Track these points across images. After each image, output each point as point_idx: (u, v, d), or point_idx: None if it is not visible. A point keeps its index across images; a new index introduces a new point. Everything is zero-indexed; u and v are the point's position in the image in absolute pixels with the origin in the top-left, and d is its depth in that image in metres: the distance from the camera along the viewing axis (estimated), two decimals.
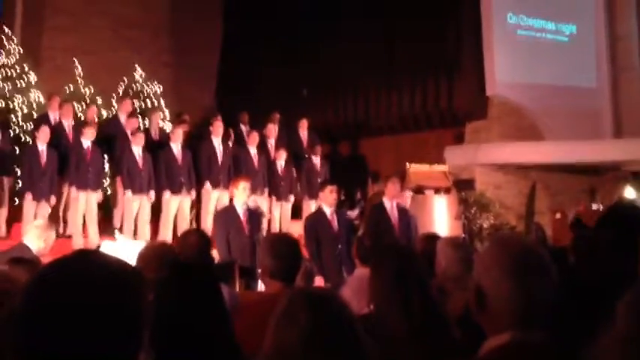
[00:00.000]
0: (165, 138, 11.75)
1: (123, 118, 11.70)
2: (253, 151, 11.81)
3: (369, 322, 2.65)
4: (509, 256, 1.89)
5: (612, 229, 3.57)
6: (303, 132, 13.41)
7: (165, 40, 16.59)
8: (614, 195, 11.93)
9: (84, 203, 10.35)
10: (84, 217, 10.39)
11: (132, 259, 6.77)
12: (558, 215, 11.77)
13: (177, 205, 10.99)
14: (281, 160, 12.05)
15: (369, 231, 8.00)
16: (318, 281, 7.15)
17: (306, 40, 16.02)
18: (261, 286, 6.83)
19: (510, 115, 13.57)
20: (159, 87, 14.28)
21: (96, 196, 10.51)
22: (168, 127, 13.14)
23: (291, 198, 12.16)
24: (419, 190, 11.42)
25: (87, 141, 10.47)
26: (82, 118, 11.84)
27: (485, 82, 13.27)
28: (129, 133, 11.17)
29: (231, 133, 12.27)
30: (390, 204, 8.31)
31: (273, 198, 11.94)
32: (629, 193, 11.91)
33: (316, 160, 12.57)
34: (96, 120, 11.90)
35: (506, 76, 13.20)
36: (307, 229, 7.59)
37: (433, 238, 4.89)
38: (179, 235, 4.98)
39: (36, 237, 5.60)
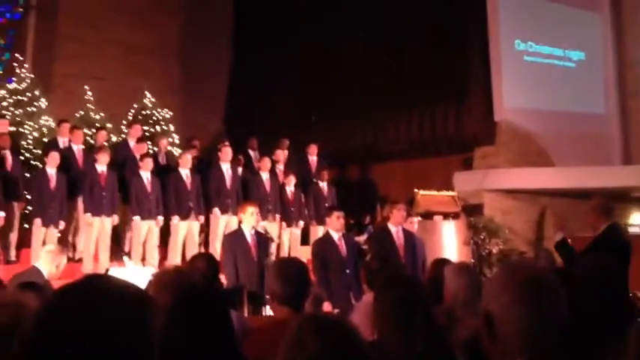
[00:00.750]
0: (173, 163, 11.79)
1: (132, 143, 11.77)
2: (265, 176, 11.85)
3: (374, 348, 2.64)
4: (519, 281, 1.88)
5: (603, 253, 3.55)
6: (312, 157, 13.43)
7: (174, 66, 16.74)
8: (623, 221, 11.86)
9: (98, 228, 10.38)
10: (96, 241, 10.41)
11: (141, 285, 6.78)
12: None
13: (185, 230, 10.99)
14: (290, 186, 12.08)
15: (373, 255, 7.97)
16: (327, 306, 7.12)
17: (315, 67, 16.11)
18: (269, 312, 6.82)
19: (518, 140, 13.56)
20: (168, 113, 14.35)
21: (110, 221, 10.53)
22: (177, 152, 13.19)
23: (301, 223, 12.17)
24: (427, 216, 11.39)
25: (101, 166, 10.53)
26: (93, 143, 11.91)
27: (494, 107, 13.31)
28: (137, 157, 11.23)
29: (240, 159, 12.32)
30: (395, 228, 8.29)
31: (283, 224, 11.94)
32: (636, 219, 11.85)
33: (323, 185, 12.57)
34: (105, 144, 11.97)
35: (514, 102, 13.24)
36: (315, 254, 7.57)
37: (444, 263, 4.87)
38: (188, 260, 4.98)
39: (48, 261, 5.65)
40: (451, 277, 4.07)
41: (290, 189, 12.07)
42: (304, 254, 11.71)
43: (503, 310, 1.84)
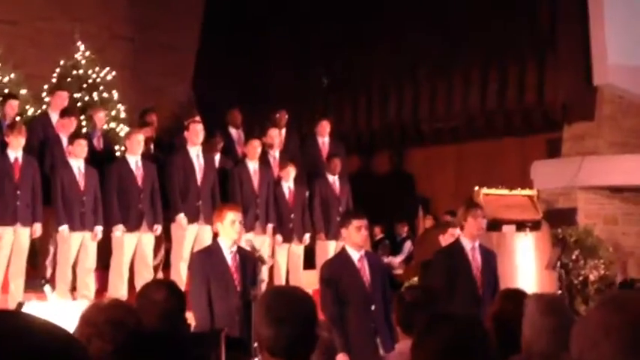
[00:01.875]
0: (119, 147, 11.81)
1: (55, 117, 11.78)
2: (253, 166, 11.87)
3: None
4: (628, 323, 1.88)
5: None
6: (324, 139, 13.46)
7: (121, 4, 16.75)
8: None
9: (9, 243, 10.42)
10: (7, 263, 10.42)
11: (69, 327, 6.80)
12: None
13: (134, 246, 11.02)
14: (289, 181, 12.09)
15: (438, 284, 7.94)
16: (342, 359, 7.12)
17: (327, 10, 16.10)
18: None
19: (630, 114, 13.54)
20: (110, 73, 14.38)
21: (28, 233, 10.56)
22: (123, 130, 13.21)
23: (305, 237, 12.19)
24: (493, 225, 11.38)
25: (14, 151, 10.54)
26: None
27: (592, 66, 13.26)
28: (64, 139, 11.27)
29: (217, 141, 12.31)
30: (471, 244, 8.28)
31: (278, 238, 11.96)
32: None
33: (334, 179, 12.56)
34: (18, 120, 11.99)
35: (623, 58, 13.20)
36: (325, 283, 7.56)
37: (516, 296, 4.86)
38: (138, 289, 4.98)
39: None
40: (531, 315, 4.08)
41: (288, 185, 12.08)
42: (309, 281, 11.74)
43: None
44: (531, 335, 3.97)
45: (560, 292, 11.15)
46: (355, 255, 7.59)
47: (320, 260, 11.65)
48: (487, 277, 8.18)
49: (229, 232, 7.50)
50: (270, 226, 11.82)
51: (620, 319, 1.89)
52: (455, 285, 7.88)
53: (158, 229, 11.19)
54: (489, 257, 8.36)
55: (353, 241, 7.59)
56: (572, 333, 2.01)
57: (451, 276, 8.03)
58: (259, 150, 12.01)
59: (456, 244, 8.33)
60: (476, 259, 8.20)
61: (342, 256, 7.75)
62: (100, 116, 12.46)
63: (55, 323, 1.48)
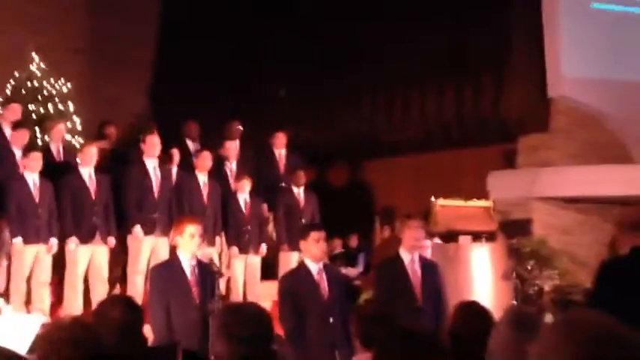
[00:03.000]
0: (71, 159, 11.73)
1: (8, 130, 11.70)
2: (202, 178, 11.85)
3: None
4: (582, 345, 1.89)
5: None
6: (280, 151, 13.46)
7: (78, 15, 16.65)
8: None
9: None
10: None
11: (23, 343, 6.74)
12: None
13: (87, 259, 10.95)
14: (244, 193, 12.07)
15: (375, 298, 7.98)
16: None
17: (284, 15, 16.11)
18: None
19: (584, 126, 13.65)
20: (66, 85, 14.29)
21: None
22: (80, 142, 13.13)
23: (262, 248, 12.17)
24: (450, 236, 11.44)
25: None
26: None
27: (547, 78, 13.35)
28: (17, 152, 11.18)
29: (174, 153, 12.27)
30: (409, 257, 8.32)
31: (234, 248, 11.93)
32: None
33: (299, 191, 12.59)
34: None
35: (577, 70, 13.32)
36: (283, 296, 7.55)
37: (471, 309, 4.88)
38: (94, 306, 4.96)
39: None
40: (501, 328, 4.09)
41: (245, 197, 12.07)
42: (268, 292, 11.72)
43: None
44: (496, 346, 3.98)
45: (514, 303, 11.23)
46: (314, 267, 7.59)
47: (283, 271, 11.65)
48: (428, 288, 8.21)
49: (188, 245, 7.47)
50: (218, 239, 11.81)
51: (573, 341, 1.89)
52: (394, 297, 7.92)
53: (111, 241, 11.13)
54: (430, 268, 8.40)
55: (311, 254, 7.58)
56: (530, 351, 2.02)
57: (390, 288, 8.08)
58: (209, 162, 11.98)
59: (396, 257, 8.37)
60: (415, 272, 8.26)
61: (300, 269, 7.74)
62: (60, 128, 12.39)
63: (8, 350, 1.48)
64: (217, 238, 11.85)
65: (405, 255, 8.29)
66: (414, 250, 8.32)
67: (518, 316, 4.20)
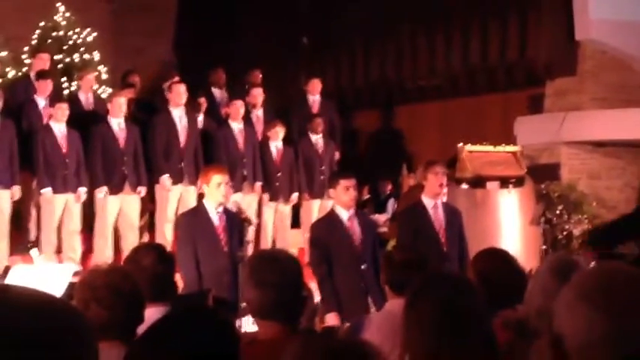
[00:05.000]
0: (101, 109, 11.74)
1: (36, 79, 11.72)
2: (237, 126, 11.82)
3: None
4: (605, 285, 1.85)
5: None
6: (314, 97, 13.37)
7: None
8: None
9: None
10: None
11: (57, 289, 6.78)
12: None
13: (117, 208, 11.00)
14: (276, 141, 12.05)
15: (402, 245, 7.97)
16: (332, 319, 7.13)
17: None
18: (247, 327, 6.83)
19: (611, 69, 13.53)
20: (91, 34, 14.27)
21: (8, 196, 10.50)
22: (106, 92, 13.13)
23: (293, 197, 12.17)
24: (477, 182, 11.39)
25: None
26: None
27: (574, 21, 13.21)
28: (45, 102, 11.19)
29: (201, 102, 12.25)
30: (432, 203, 8.29)
31: (265, 197, 11.95)
32: None
33: (317, 139, 12.52)
34: None
35: (605, 12, 13.15)
36: (314, 243, 7.55)
37: (497, 256, 4.85)
38: (126, 254, 4.98)
39: None
40: (540, 274, 4.08)
41: (276, 145, 12.04)
42: (295, 241, 11.76)
43: (579, 327, 1.82)
44: (534, 290, 3.97)
45: (544, 247, 11.22)
46: (344, 215, 7.56)
47: (305, 220, 11.68)
48: (451, 234, 8.19)
49: (215, 194, 7.47)
50: (258, 184, 11.79)
51: (595, 281, 1.87)
52: (418, 243, 7.89)
53: (142, 191, 11.16)
54: (454, 215, 8.37)
55: (341, 201, 7.56)
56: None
57: (414, 235, 8.06)
58: (243, 110, 11.96)
59: (418, 204, 8.34)
60: (438, 218, 8.21)
61: (331, 216, 7.71)
62: (89, 78, 12.38)
63: (48, 293, 1.47)
64: (257, 184, 11.80)
65: (427, 201, 8.25)
66: (437, 196, 8.29)
67: (559, 264, 4.18)
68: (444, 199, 9.21)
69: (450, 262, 7.87)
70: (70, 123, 10.89)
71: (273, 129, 12.05)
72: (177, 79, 12.07)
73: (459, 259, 8.01)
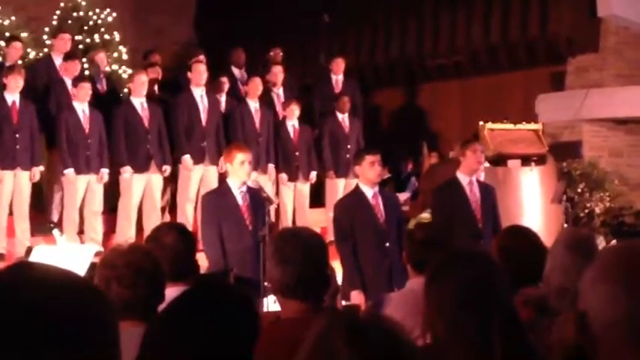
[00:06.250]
0: (122, 89, 11.77)
1: (59, 60, 11.73)
2: (254, 105, 11.82)
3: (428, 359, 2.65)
4: (627, 263, 1.85)
5: None
6: (337, 77, 13.33)
7: None
8: None
9: (10, 187, 10.37)
10: (10, 207, 10.40)
11: (79, 269, 6.81)
12: None
13: (142, 188, 11.03)
14: (293, 119, 12.04)
15: (437, 222, 7.95)
16: (356, 297, 7.14)
17: None
18: (267, 306, 6.87)
19: (635, 45, 13.44)
20: (111, 14, 14.29)
21: (28, 177, 10.51)
22: (126, 72, 13.15)
23: (312, 175, 12.16)
24: (498, 160, 11.37)
25: (12, 94, 10.45)
26: (0, 60, 11.90)
27: None
28: (68, 82, 11.21)
29: (222, 81, 12.24)
30: (467, 179, 8.29)
31: (284, 176, 11.95)
32: None
33: (343, 118, 12.52)
34: (19, 63, 11.95)
35: None
36: (338, 220, 7.56)
37: (519, 233, 4.85)
38: (148, 233, 4.99)
39: None
40: (557, 250, 4.07)
41: (292, 124, 12.04)
42: (317, 219, 11.77)
43: (603, 305, 1.83)
44: (553, 268, 3.97)
45: (566, 226, 11.19)
46: (369, 192, 7.57)
47: (330, 199, 11.67)
48: (486, 211, 8.20)
49: (239, 172, 7.50)
50: (270, 166, 11.79)
51: (620, 257, 1.87)
52: (454, 220, 7.90)
53: (167, 170, 11.18)
54: (488, 192, 8.37)
55: (367, 177, 7.55)
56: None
57: (450, 212, 8.07)
58: (261, 88, 11.94)
59: (453, 180, 8.34)
60: (474, 194, 8.22)
61: (355, 193, 7.72)
62: (101, 57, 12.40)
63: (72, 271, 1.48)
64: (270, 166, 11.79)
65: (462, 178, 8.27)
66: (473, 173, 8.31)
67: (574, 240, 4.17)
68: (482, 176, 9.24)
69: (485, 239, 7.88)
70: (91, 103, 10.92)
71: (289, 107, 12.03)
72: (201, 57, 12.06)
73: (493, 235, 8.03)
